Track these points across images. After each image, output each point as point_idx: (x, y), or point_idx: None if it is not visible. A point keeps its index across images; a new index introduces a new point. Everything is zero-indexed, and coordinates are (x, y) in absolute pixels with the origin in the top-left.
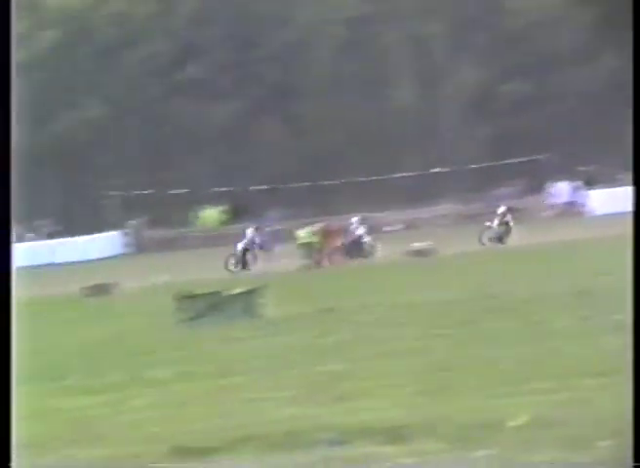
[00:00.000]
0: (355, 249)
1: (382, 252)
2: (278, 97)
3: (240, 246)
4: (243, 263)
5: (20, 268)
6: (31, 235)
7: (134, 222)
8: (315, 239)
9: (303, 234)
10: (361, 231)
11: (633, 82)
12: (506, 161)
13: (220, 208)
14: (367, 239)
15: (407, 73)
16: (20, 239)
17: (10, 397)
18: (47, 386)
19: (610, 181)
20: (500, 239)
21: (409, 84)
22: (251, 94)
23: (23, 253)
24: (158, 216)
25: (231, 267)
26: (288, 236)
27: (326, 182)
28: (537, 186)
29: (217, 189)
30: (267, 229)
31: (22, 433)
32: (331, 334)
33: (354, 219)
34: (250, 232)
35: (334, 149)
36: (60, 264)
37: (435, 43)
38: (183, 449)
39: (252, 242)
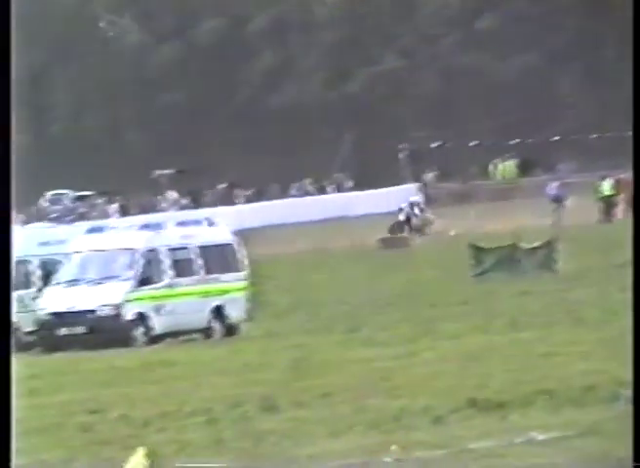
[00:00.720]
0: None
1: None
2: (575, 47)
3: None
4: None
5: (316, 221)
6: (332, 187)
7: (426, 175)
8: (613, 192)
9: (602, 187)
10: None
11: (633, 82)
12: None
13: (514, 160)
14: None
15: None
16: (321, 191)
17: (10, 398)
18: (343, 337)
19: None
20: (418, 230)
21: None
22: (547, 45)
23: (319, 206)
24: (450, 170)
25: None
26: (581, 188)
27: (621, 134)
28: None
29: (509, 142)
30: (560, 182)
31: (319, 382)
32: (626, 290)
33: None
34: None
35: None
36: (354, 217)
37: None
38: (479, 402)
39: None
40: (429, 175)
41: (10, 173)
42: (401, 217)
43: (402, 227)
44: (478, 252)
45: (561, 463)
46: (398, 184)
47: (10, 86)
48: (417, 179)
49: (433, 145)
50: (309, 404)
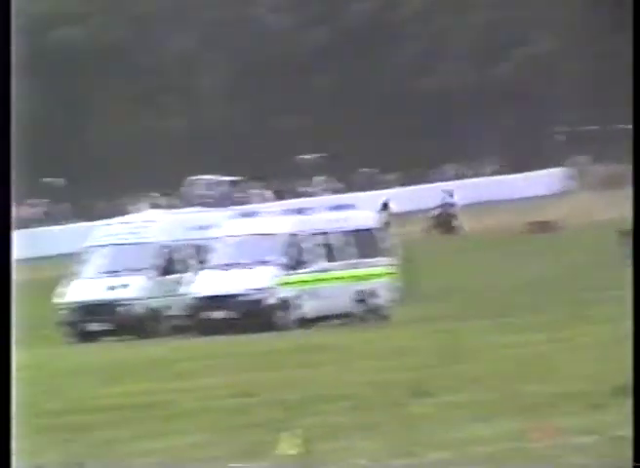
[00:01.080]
0: None
1: None
2: None
3: None
4: None
5: (463, 206)
6: (471, 172)
7: (579, 159)
8: None
9: None
10: None
11: (633, 80)
12: None
13: None
14: None
15: None
16: (463, 176)
17: (9, 396)
18: (493, 322)
19: None
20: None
21: None
22: None
23: (466, 189)
24: (604, 153)
25: None
26: None
27: None
28: None
29: None
30: None
31: (469, 367)
32: None
33: None
34: None
35: None
36: (502, 201)
37: None
38: (627, 390)
39: None
40: (581, 159)
41: (10, 170)
42: (435, 212)
43: (444, 221)
44: (628, 236)
45: None
46: (548, 168)
47: (10, 83)
48: (569, 163)
49: (587, 128)
50: (459, 389)
